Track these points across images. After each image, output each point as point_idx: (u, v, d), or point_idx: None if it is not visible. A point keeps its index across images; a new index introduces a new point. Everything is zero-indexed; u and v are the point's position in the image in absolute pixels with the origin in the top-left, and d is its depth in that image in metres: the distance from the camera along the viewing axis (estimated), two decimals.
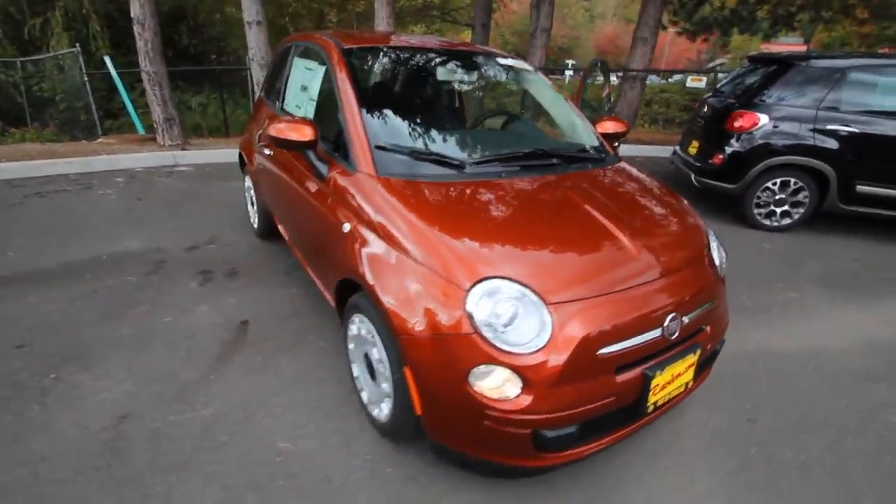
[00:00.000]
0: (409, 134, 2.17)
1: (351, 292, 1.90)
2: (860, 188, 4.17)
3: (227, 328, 2.59)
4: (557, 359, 1.40)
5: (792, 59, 4.42)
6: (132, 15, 5.97)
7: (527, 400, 1.39)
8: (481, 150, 2.19)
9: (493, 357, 1.39)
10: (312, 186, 2.19)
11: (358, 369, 1.98)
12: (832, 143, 4.11)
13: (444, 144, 2.21)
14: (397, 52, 2.65)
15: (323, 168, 2.07)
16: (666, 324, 1.56)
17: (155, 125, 6.45)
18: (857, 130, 4.06)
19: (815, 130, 4.14)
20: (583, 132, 2.49)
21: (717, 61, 28.64)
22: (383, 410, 1.79)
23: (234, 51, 10.67)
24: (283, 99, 2.78)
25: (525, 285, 1.45)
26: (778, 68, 4.41)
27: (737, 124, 4.37)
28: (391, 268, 1.61)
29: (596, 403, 1.47)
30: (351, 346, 1.98)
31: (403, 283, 1.56)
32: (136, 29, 6.01)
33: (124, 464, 1.73)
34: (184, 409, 2.01)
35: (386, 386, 1.71)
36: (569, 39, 36.75)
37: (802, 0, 8.84)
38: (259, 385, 2.17)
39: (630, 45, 8.58)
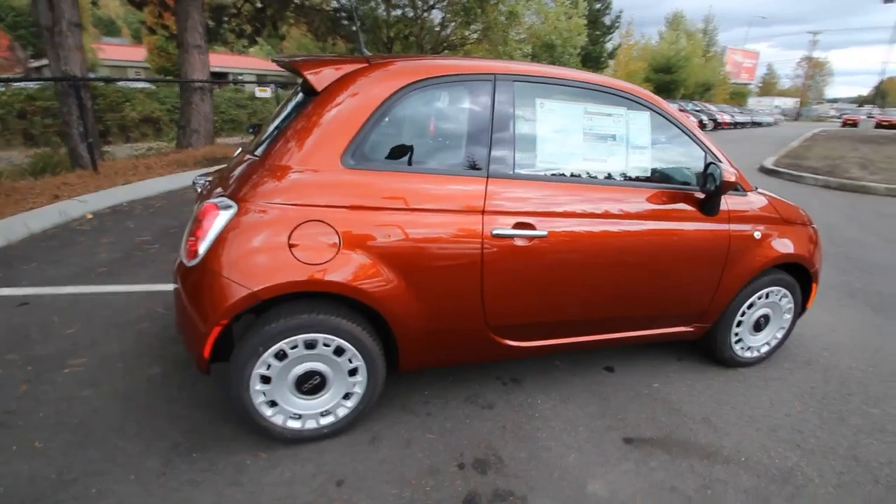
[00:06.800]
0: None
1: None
2: None
3: None
4: None
5: None
6: None
7: None
8: None
9: None
10: (693, 226, 2.26)
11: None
12: None
13: None
14: None
15: (720, 203, 2.23)
16: None
17: None
18: None
19: None
20: None
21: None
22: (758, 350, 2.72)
23: None
24: (536, 155, 2.02)
25: None
26: None
27: None
28: (803, 240, 2.56)
29: None
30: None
31: (805, 243, 2.56)
32: None
33: None
34: None
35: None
36: None
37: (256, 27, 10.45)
38: None
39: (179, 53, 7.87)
